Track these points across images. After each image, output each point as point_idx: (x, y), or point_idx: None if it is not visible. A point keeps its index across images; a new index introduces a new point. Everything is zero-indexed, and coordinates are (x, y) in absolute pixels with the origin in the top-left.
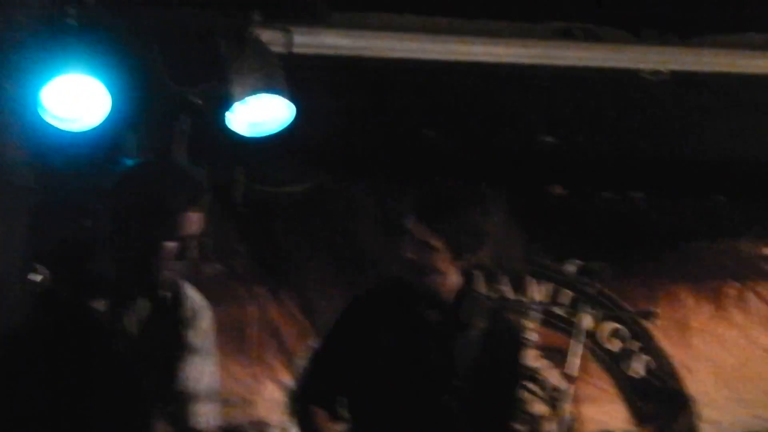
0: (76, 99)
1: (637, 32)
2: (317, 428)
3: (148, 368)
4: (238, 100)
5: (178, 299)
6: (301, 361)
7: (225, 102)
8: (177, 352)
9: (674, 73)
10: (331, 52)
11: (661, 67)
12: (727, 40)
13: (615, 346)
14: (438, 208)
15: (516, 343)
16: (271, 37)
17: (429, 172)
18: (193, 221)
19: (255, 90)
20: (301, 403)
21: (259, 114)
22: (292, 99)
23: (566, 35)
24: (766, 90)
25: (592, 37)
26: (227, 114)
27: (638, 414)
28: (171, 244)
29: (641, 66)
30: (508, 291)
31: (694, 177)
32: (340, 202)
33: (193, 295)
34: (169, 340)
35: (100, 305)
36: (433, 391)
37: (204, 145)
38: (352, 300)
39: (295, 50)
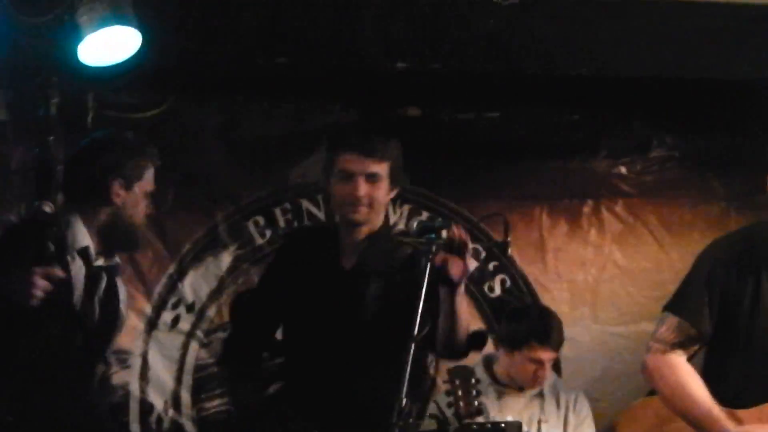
0: None
1: None
2: (246, 394)
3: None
4: (86, 31)
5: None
6: (159, 288)
7: (73, 33)
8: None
9: None
10: None
11: None
12: None
13: (472, 267)
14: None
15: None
16: None
17: (282, 95)
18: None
19: (103, 21)
20: (228, 368)
21: (107, 43)
22: (139, 28)
23: None
24: (614, 9)
25: None
26: (76, 45)
27: (498, 333)
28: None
29: None
30: None
31: (548, 96)
32: (193, 125)
33: None
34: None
35: None
36: (354, 339)
37: (54, 74)
38: (277, 249)
39: None
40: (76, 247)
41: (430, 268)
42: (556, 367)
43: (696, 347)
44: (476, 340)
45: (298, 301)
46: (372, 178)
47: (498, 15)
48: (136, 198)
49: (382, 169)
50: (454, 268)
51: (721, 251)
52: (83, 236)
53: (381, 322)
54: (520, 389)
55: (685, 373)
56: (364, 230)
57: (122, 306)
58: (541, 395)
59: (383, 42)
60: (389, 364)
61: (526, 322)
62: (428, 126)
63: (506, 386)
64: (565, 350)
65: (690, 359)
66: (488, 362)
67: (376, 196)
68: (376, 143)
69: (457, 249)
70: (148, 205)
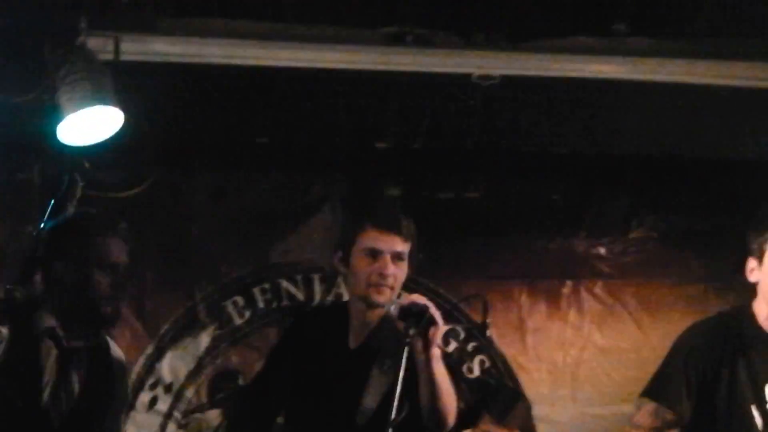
0: None
1: (468, 37)
2: None
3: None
4: (67, 111)
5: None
6: (137, 368)
7: (54, 112)
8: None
9: (504, 77)
10: (159, 58)
11: (492, 71)
12: (554, 44)
13: (450, 346)
14: None
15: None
16: (98, 44)
17: (262, 175)
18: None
19: (83, 101)
20: None
21: (89, 122)
22: (121, 107)
23: (398, 40)
24: (594, 89)
25: (423, 43)
26: (58, 124)
27: (474, 412)
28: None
29: (472, 70)
30: (345, 293)
31: (529, 176)
32: (174, 204)
33: (114, 346)
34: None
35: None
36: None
37: (36, 153)
38: (286, 329)
39: (123, 57)
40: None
41: (408, 353)
42: None
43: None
44: (466, 418)
45: (302, 382)
46: (397, 258)
47: (478, 94)
48: (87, 275)
49: (406, 248)
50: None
51: (698, 337)
52: (49, 318)
53: (384, 404)
54: None
55: None
56: (379, 311)
57: (120, 383)
58: None
59: (364, 122)
60: None
61: (484, 399)
62: (408, 204)
63: None
64: (545, 431)
65: None
66: None
67: (399, 276)
68: (402, 221)
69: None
70: (114, 279)
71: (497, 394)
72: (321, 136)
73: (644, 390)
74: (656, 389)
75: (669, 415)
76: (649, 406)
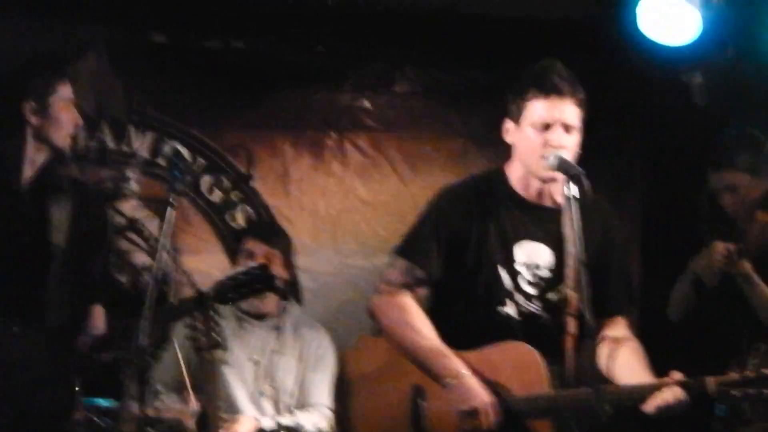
0: None
1: None
2: None
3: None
4: None
5: None
6: None
7: None
8: None
9: None
10: None
11: None
12: None
13: (216, 196)
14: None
15: (102, 200)
16: None
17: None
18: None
19: None
20: None
21: None
22: None
23: None
24: None
25: None
26: None
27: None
28: None
29: None
30: (109, 140)
31: (294, 27)
32: None
33: None
34: None
35: None
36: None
37: None
38: None
39: None
40: None
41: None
42: (297, 297)
43: (423, 290)
44: None
45: None
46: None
47: None
48: None
49: None
50: None
51: (449, 199)
52: None
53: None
54: (260, 318)
55: (412, 312)
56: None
57: None
58: (279, 327)
59: None
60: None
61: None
62: (174, 53)
63: (247, 314)
64: (306, 281)
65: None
66: None
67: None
68: None
69: None
70: None
71: (259, 223)
72: None
73: (396, 248)
74: (407, 248)
75: (419, 273)
76: (401, 263)
